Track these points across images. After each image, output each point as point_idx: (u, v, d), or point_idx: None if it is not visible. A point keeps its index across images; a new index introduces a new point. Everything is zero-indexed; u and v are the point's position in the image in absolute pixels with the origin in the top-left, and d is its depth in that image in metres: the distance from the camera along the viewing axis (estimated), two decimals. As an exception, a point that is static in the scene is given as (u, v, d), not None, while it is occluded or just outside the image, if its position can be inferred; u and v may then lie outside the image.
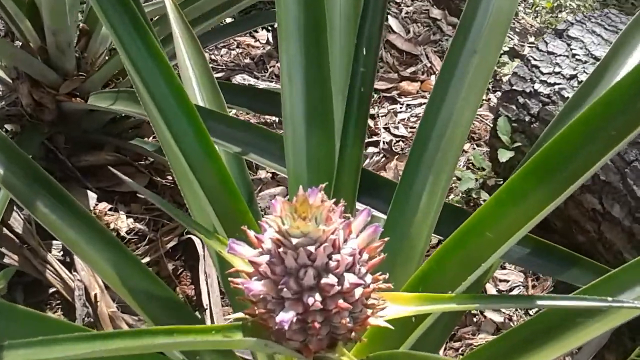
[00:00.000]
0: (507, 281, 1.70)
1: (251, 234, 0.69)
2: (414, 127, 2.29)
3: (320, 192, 0.68)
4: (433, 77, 2.57)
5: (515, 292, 1.68)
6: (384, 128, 2.27)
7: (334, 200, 0.67)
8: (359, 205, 1.06)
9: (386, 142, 2.19)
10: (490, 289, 1.67)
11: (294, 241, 0.64)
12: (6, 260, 1.54)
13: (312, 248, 0.64)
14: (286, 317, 0.64)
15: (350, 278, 0.67)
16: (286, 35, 0.93)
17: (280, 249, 0.65)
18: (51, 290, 1.55)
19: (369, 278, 0.70)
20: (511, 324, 1.59)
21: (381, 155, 2.13)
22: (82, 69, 1.88)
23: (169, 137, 0.76)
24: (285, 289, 0.65)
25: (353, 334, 0.71)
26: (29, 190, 0.95)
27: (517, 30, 2.83)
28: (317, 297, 0.65)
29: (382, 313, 0.74)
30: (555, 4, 2.95)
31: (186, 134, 0.76)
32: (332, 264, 0.66)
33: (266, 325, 0.69)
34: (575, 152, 0.69)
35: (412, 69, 2.62)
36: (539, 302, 0.72)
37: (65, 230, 0.96)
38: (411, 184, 0.98)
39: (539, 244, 1.09)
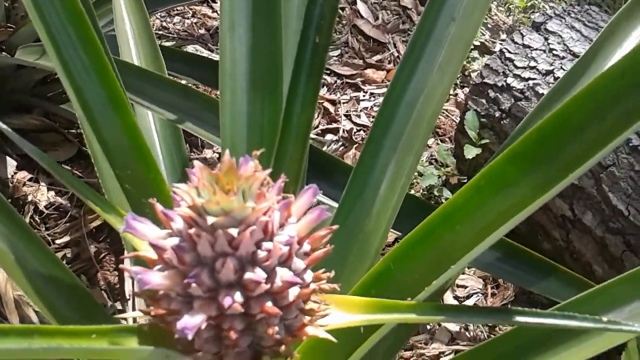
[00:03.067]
0: (465, 287, 1.57)
1: (159, 208, 0.52)
2: (376, 117, 2.14)
3: (254, 159, 0.52)
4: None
5: (472, 299, 1.55)
6: (344, 115, 2.12)
7: (270, 170, 0.51)
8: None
9: (346, 130, 2.04)
10: (447, 296, 1.53)
11: (211, 220, 0.47)
12: None
13: (234, 231, 0.48)
14: (191, 322, 0.48)
15: (283, 274, 0.51)
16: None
17: (193, 230, 0.49)
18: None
19: (309, 275, 0.54)
20: (467, 333, 1.46)
21: (340, 143, 1.98)
22: (12, 21, 1.67)
23: (64, 77, 0.58)
24: (194, 284, 0.48)
25: (283, 347, 0.54)
26: None
27: (489, 25, 2.72)
28: (238, 297, 0.49)
29: (323, 321, 0.58)
30: (529, 4, 2.85)
31: (87, 74, 0.58)
32: (261, 254, 0.50)
33: (170, 330, 0.52)
34: (581, 131, 0.54)
35: (379, 56, 2.48)
36: (519, 319, 0.57)
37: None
38: (371, 168, 0.83)
39: (509, 248, 0.95)
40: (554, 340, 0.68)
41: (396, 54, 2.51)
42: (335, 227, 0.56)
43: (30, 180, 1.53)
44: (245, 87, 0.75)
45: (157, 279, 0.49)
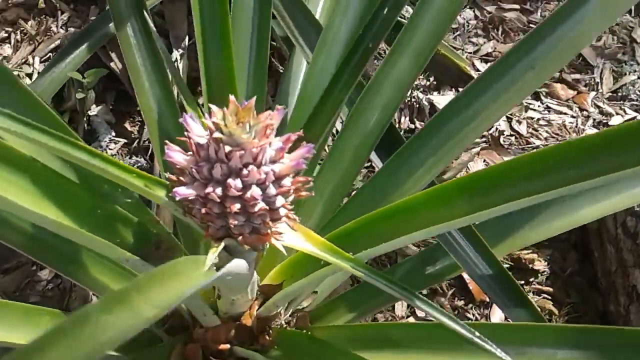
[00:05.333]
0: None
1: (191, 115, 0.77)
2: (537, 131, 2.19)
3: (279, 112, 0.74)
4: (593, 94, 2.41)
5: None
6: (507, 116, 2.20)
7: (272, 118, 0.73)
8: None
9: (499, 130, 2.13)
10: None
11: (219, 136, 0.72)
12: (112, 64, 1.76)
13: (229, 148, 0.72)
14: (184, 191, 0.74)
15: (254, 191, 0.74)
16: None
17: (214, 135, 0.73)
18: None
19: (279, 200, 0.77)
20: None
21: (482, 141, 2.09)
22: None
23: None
24: (195, 171, 0.74)
25: (251, 241, 0.78)
26: None
27: None
28: (218, 190, 0.73)
29: (285, 239, 0.81)
30: None
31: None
32: (244, 171, 0.73)
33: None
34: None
35: (578, 76, 2.46)
36: (419, 303, 0.75)
37: None
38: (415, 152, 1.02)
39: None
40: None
41: (597, 80, 2.47)
42: (311, 178, 0.78)
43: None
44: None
45: (180, 158, 0.75)
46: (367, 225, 0.84)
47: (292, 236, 0.83)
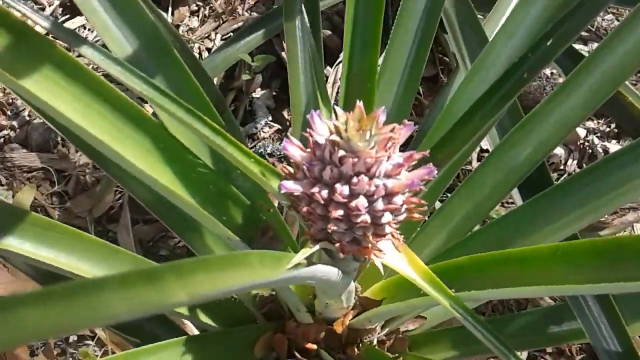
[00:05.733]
0: None
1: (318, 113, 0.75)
2: None
3: (407, 127, 0.71)
4: None
5: None
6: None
7: (398, 131, 0.69)
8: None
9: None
10: None
11: (336, 139, 0.69)
12: (283, 54, 1.80)
13: (343, 153, 0.69)
14: (290, 186, 0.72)
15: (361, 201, 0.71)
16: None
17: (330, 138, 0.71)
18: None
19: (385, 217, 0.73)
20: None
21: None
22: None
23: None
24: (306, 169, 0.72)
25: (344, 247, 0.75)
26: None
27: None
28: (324, 193, 0.71)
29: (384, 255, 0.78)
30: None
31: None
32: (354, 179, 0.70)
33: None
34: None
35: None
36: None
37: None
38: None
39: None
40: None
41: None
42: (425, 203, 0.73)
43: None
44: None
45: (296, 153, 0.74)
46: (477, 264, 0.77)
47: (394, 256, 0.79)
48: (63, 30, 0.70)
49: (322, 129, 0.76)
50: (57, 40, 1.43)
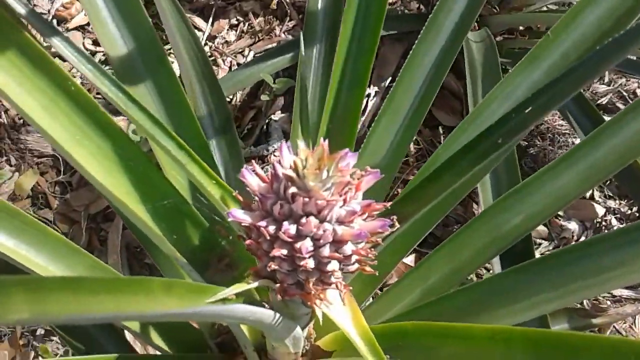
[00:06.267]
0: None
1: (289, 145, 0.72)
2: None
3: (372, 174, 0.68)
4: None
5: None
6: None
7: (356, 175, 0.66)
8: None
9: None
10: None
11: (291, 175, 0.66)
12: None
13: (295, 190, 0.66)
14: (238, 215, 0.69)
15: (306, 244, 0.68)
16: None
17: (286, 172, 0.68)
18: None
19: (331, 265, 0.70)
20: None
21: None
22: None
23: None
24: (259, 200, 0.69)
25: (285, 289, 0.72)
26: None
27: None
28: (271, 229, 0.68)
29: (331, 308, 0.74)
30: None
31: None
32: (303, 220, 0.67)
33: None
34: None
35: None
36: None
37: None
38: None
39: None
40: None
41: None
42: (372, 255, 0.69)
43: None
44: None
45: (253, 181, 0.71)
46: (421, 332, 0.73)
47: (338, 308, 0.75)
48: (38, 19, 0.69)
49: (288, 161, 0.73)
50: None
